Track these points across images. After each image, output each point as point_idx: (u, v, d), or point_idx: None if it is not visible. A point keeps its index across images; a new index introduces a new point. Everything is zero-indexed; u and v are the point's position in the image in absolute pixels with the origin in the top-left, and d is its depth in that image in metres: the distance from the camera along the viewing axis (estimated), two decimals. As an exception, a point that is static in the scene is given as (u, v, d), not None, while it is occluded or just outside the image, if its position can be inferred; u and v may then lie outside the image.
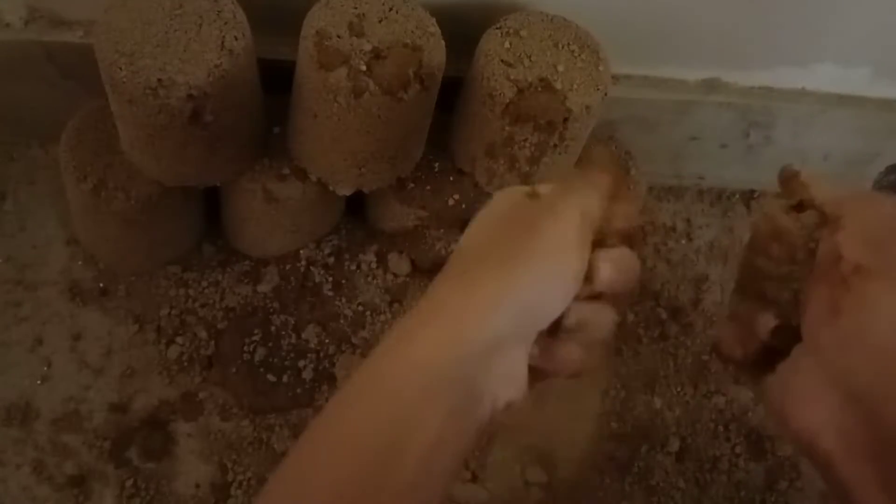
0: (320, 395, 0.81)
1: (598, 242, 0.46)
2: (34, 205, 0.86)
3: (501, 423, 0.81)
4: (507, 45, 0.72)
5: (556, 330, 0.46)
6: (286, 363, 0.82)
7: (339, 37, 0.68)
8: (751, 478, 0.85)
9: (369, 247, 0.88)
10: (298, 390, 0.81)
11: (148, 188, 0.75)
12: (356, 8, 0.70)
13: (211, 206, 0.84)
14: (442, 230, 0.85)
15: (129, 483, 0.75)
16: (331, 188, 0.78)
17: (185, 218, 0.83)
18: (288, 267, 0.86)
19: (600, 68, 0.73)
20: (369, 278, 0.87)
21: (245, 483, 0.77)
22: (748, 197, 1.04)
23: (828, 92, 0.92)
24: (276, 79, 0.73)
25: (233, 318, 0.83)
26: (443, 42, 0.71)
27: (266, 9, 0.70)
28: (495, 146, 0.75)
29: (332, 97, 0.68)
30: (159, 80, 0.63)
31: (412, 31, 0.70)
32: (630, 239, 0.48)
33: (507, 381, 0.43)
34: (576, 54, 0.73)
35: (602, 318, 0.47)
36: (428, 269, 0.87)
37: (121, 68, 0.64)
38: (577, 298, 0.45)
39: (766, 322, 0.48)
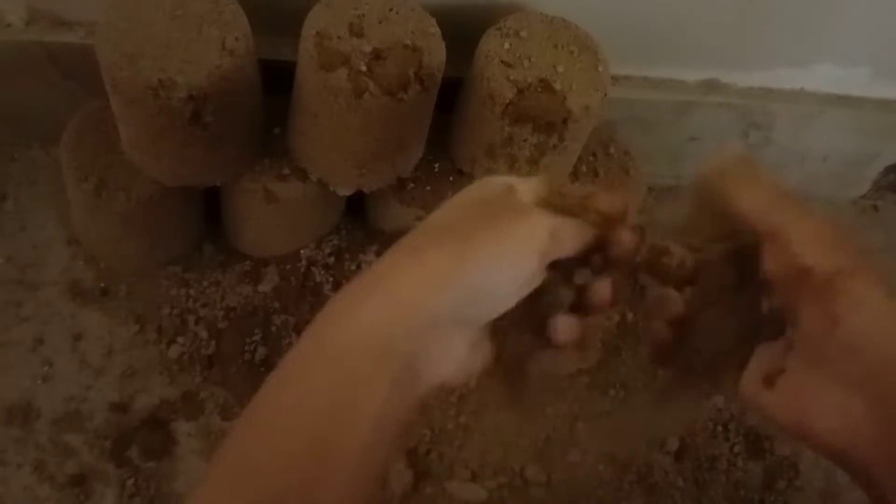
0: (320, 395, 0.81)
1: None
2: (35, 205, 0.86)
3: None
4: (506, 45, 0.72)
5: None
6: (286, 363, 0.82)
7: (339, 37, 0.68)
8: (749, 477, 0.85)
9: (369, 247, 0.88)
10: (299, 390, 0.81)
11: (148, 188, 0.75)
12: (356, 9, 0.70)
13: (211, 206, 0.84)
14: (442, 230, 0.85)
15: (129, 482, 0.76)
16: (331, 188, 0.78)
17: (186, 218, 0.83)
18: (288, 267, 0.86)
19: (599, 69, 0.73)
20: (369, 278, 0.87)
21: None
22: (747, 197, 1.03)
23: (827, 92, 0.92)
24: (277, 79, 0.73)
25: (233, 318, 0.83)
26: (443, 42, 0.71)
27: (266, 10, 0.70)
28: (495, 146, 0.75)
29: (332, 98, 0.68)
30: (160, 80, 0.64)
31: (412, 32, 0.70)
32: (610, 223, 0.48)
33: (443, 360, 0.43)
34: (575, 55, 0.73)
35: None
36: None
37: (121, 69, 0.64)
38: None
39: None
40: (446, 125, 0.80)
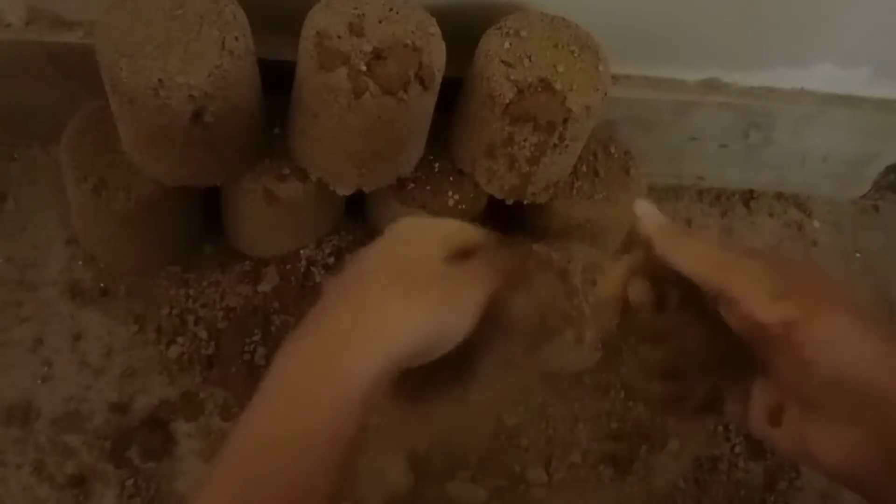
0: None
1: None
2: (35, 205, 0.86)
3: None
4: (507, 45, 0.72)
5: None
6: (286, 363, 0.81)
7: (339, 37, 0.68)
8: (750, 477, 0.85)
9: (369, 247, 0.88)
10: (299, 390, 0.81)
11: (148, 188, 0.75)
12: (356, 8, 0.70)
13: (211, 206, 0.84)
14: (442, 230, 0.85)
15: (129, 483, 0.76)
16: (331, 188, 0.78)
17: (186, 218, 0.83)
18: (288, 267, 0.86)
19: (600, 69, 0.73)
20: (369, 278, 0.87)
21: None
22: (747, 197, 1.04)
23: (827, 92, 0.92)
24: (277, 79, 0.73)
25: (233, 318, 0.83)
26: (443, 42, 0.71)
27: (266, 9, 0.70)
28: (495, 146, 0.75)
29: (332, 97, 0.68)
30: (160, 80, 0.63)
31: (412, 32, 0.70)
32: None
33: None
34: (575, 55, 0.73)
35: None
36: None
37: (121, 69, 0.64)
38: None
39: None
40: (446, 125, 0.80)
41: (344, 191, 0.78)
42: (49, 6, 0.77)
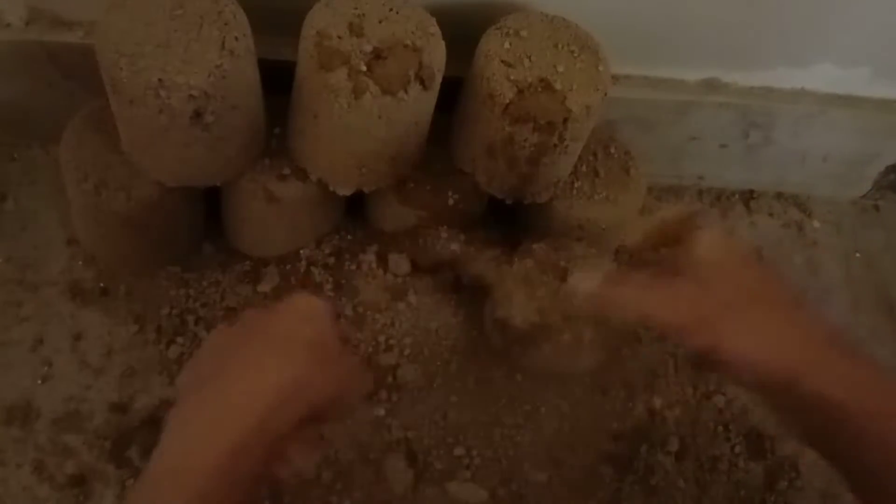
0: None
1: None
2: (35, 205, 0.86)
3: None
4: (507, 45, 0.72)
5: None
6: (286, 363, 0.81)
7: (339, 37, 0.68)
8: (750, 477, 0.85)
9: (369, 247, 0.88)
10: (299, 390, 0.81)
11: (148, 188, 0.75)
12: (356, 8, 0.70)
13: (211, 206, 0.84)
14: (442, 230, 0.85)
15: (129, 483, 0.75)
16: (331, 188, 0.78)
17: (186, 218, 0.83)
18: (288, 267, 0.86)
19: (600, 69, 0.73)
20: (369, 278, 0.87)
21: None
22: (748, 197, 1.04)
23: (827, 92, 0.92)
24: (277, 79, 0.73)
25: (233, 318, 0.83)
26: (443, 42, 0.71)
27: (266, 9, 0.70)
28: (495, 146, 0.75)
29: (332, 97, 0.68)
30: (160, 80, 0.63)
31: (412, 32, 0.70)
32: None
33: None
34: (575, 55, 0.73)
35: None
36: (428, 269, 0.87)
37: (121, 69, 0.64)
38: None
39: None
40: (446, 125, 0.80)
41: (344, 191, 0.78)
42: (49, 6, 0.77)
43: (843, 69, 0.89)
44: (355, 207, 0.88)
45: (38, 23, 0.78)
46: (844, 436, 0.54)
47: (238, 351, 0.55)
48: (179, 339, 0.82)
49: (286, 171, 0.78)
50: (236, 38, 0.66)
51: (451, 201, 0.82)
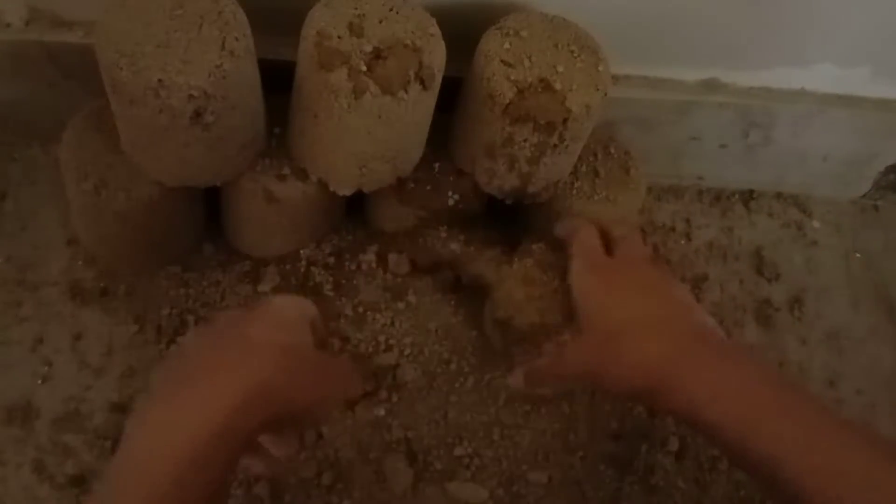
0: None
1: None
2: (35, 205, 0.86)
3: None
4: (507, 45, 0.72)
5: None
6: (286, 363, 0.81)
7: (339, 37, 0.68)
8: (750, 478, 0.85)
9: (369, 247, 0.88)
10: (299, 390, 0.81)
11: (148, 188, 0.75)
12: (356, 8, 0.70)
13: (211, 206, 0.84)
14: (442, 230, 0.85)
15: (129, 483, 0.76)
16: (331, 188, 0.78)
17: (186, 218, 0.83)
18: (288, 267, 0.86)
19: (600, 69, 0.73)
20: (369, 278, 0.87)
21: (245, 482, 0.77)
22: (747, 197, 1.04)
23: (827, 92, 0.92)
24: (277, 79, 0.73)
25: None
26: (443, 42, 0.71)
27: (266, 9, 0.70)
28: (495, 146, 0.75)
29: (332, 97, 0.68)
30: (160, 80, 0.63)
31: (412, 32, 0.70)
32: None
33: None
34: (575, 55, 0.73)
35: None
36: (428, 269, 0.88)
37: (121, 69, 0.64)
38: None
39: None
40: (446, 125, 0.80)
41: (344, 191, 0.78)
42: (49, 6, 0.77)
43: (843, 69, 0.89)
44: (355, 207, 0.88)
45: (38, 23, 0.78)
46: (785, 488, 0.57)
47: (210, 352, 0.55)
48: (179, 339, 0.82)
49: (286, 171, 0.78)
50: (236, 38, 0.66)
51: (451, 201, 0.82)
